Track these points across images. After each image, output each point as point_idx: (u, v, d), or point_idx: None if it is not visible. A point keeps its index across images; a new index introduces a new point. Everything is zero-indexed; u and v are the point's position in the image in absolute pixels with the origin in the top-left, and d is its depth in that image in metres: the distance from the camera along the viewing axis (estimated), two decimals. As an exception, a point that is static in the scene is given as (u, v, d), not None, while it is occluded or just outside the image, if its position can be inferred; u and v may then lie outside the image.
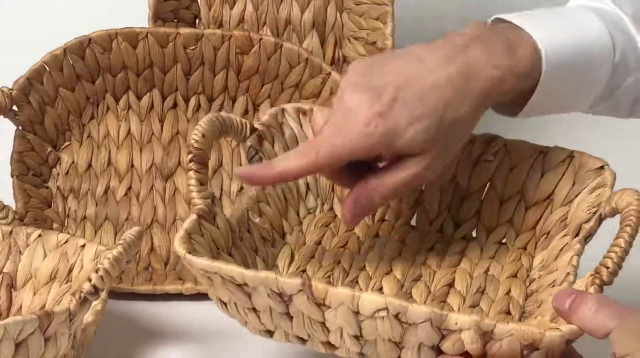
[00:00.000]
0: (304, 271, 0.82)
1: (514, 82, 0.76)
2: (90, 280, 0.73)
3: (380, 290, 0.81)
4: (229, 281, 0.70)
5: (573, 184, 0.83)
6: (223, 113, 0.83)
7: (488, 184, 0.87)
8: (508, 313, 0.78)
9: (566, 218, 0.81)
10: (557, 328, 0.67)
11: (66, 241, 0.85)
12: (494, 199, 0.86)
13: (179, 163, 1.01)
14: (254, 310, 0.72)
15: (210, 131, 0.79)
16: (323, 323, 0.70)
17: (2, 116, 0.93)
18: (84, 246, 0.84)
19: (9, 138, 0.96)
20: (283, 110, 0.87)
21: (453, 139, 0.77)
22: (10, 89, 0.93)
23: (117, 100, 1.00)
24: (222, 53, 0.98)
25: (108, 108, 1.00)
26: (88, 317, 0.75)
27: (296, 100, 1.00)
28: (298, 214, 0.88)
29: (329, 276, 0.81)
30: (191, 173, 0.78)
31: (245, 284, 0.69)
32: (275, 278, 0.68)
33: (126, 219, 1.00)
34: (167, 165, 1.01)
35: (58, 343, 0.71)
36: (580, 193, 0.82)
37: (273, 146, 0.86)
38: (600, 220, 0.78)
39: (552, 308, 0.69)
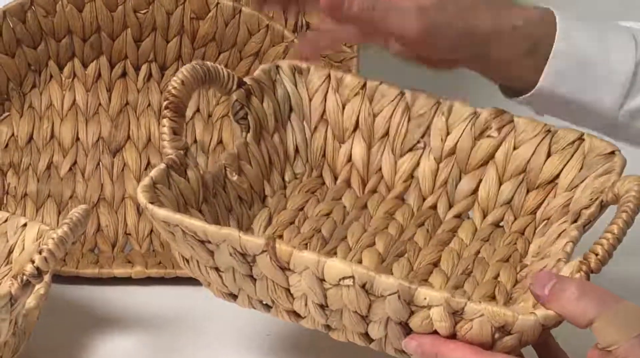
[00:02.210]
0: (280, 236, 0.82)
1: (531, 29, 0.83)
2: (32, 262, 0.72)
3: (360, 262, 0.80)
4: (190, 236, 0.70)
5: (580, 169, 0.82)
6: (208, 62, 0.82)
7: (490, 161, 0.85)
8: (493, 298, 0.77)
9: (569, 203, 0.80)
10: (532, 313, 0.66)
11: (5, 220, 0.85)
12: (493, 178, 0.85)
13: (129, 137, 1.01)
14: (217, 269, 0.72)
15: (192, 78, 0.79)
16: (287, 290, 0.70)
17: None
18: (25, 225, 0.83)
19: None
20: (278, 67, 0.87)
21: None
22: None
23: (61, 68, 1.00)
24: (175, 18, 0.98)
25: (51, 76, 1.00)
26: (30, 301, 0.75)
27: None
28: (283, 178, 0.87)
29: (306, 245, 0.81)
30: (165, 121, 0.78)
31: (208, 241, 0.69)
32: (238, 236, 0.68)
33: (70, 197, 0.99)
34: (115, 139, 1.01)
35: None
36: (586, 178, 0.81)
37: (262, 102, 0.85)
38: (602, 207, 0.77)
39: (530, 292, 0.69)
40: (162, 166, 0.76)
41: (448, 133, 0.85)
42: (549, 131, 0.84)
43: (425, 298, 0.65)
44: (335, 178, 0.89)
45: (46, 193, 0.99)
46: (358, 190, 0.87)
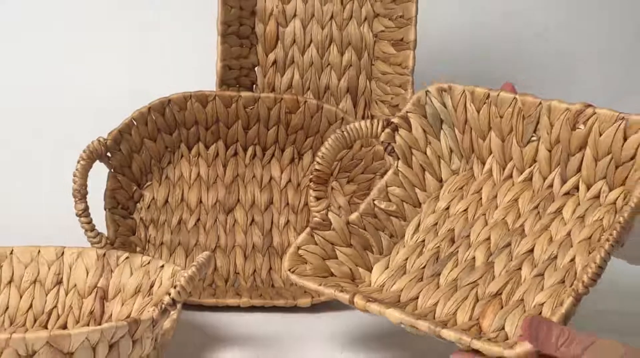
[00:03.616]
0: (423, 241, 0.82)
1: None
2: (169, 294, 0.72)
3: (473, 259, 0.79)
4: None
5: None
6: (350, 126, 0.84)
7: (585, 146, 0.81)
8: (562, 282, 0.74)
9: None
10: (512, 348, 0.65)
11: (148, 263, 0.85)
12: (590, 159, 0.80)
13: (238, 201, 1.01)
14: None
15: (333, 149, 0.82)
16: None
17: (98, 161, 0.93)
18: (162, 266, 0.84)
19: (103, 178, 0.96)
20: (427, 92, 0.87)
21: None
22: (105, 139, 0.93)
23: (189, 149, 1.00)
24: (274, 112, 0.98)
25: (182, 155, 1.00)
26: (166, 324, 0.75)
27: None
28: (440, 180, 0.87)
29: (438, 247, 0.81)
30: (310, 191, 0.81)
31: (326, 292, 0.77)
32: (334, 295, 0.75)
33: (195, 245, 0.99)
34: (228, 202, 1.00)
35: (143, 345, 0.71)
36: None
37: (410, 130, 0.85)
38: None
39: (522, 335, 0.66)
40: (308, 230, 0.80)
41: (552, 127, 0.81)
42: (622, 118, 0.78)
43: (447, 337, 0.68)
44: (482, 169, 0.86)
45: (177, 242, 0.99)
46: (496, 177, 0.85)
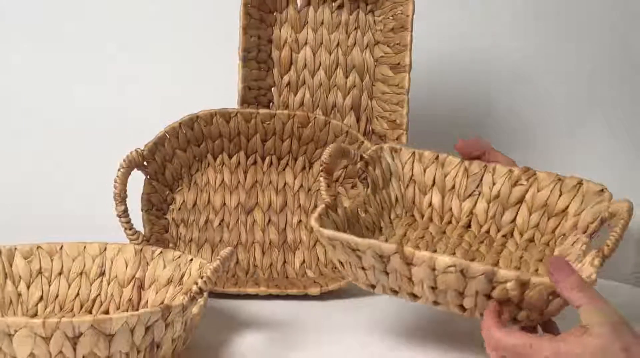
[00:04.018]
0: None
1: None
2: (197, 284, 0.73)
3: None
4: (346, 247, 0.71)
5: (582, 202, 0.81)
6: (345, 145, 0.84)
7: (522, 200, 0.84)
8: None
9: (577, 223, 0.80)
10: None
11: (179, 257, 0.85)
12: (525, 211, 0.84)
13: (257, 203, 1.01)
14: (363, 268, 0.73)
15: (335, 153, 0.81)
16: (410, 278, 0.70)
17: (136, 169, 0.94)
18: (191, 260, 0.84)
19: (140, 184, 0.96)
20: (382, 148, 0.88)
21: None
22: (142, 150, 0.94)
23: (214, 158, 1.00)
24: (288, 127, 0.98)
25: (208, 164, 1.00)
26: (195, 309, 0.75)
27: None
28: (390, 217, 0.87)
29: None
30: (321, 179, 0.80)
31: (358, 249, 0.70)
32: (378, 244, 0.69)
33: (219, 241, 1.00)
34: (248, 204, 1.01)
35: (174, 328, 0.71)
36: (587, 207, 0.80)
37: (374, 169, 0.86)
38: (602, 222, 0.76)
39: (547, 270, 0.67)
40: (322, 205, 0.78)
41: (494, 184, 0.86)
42: (560, 179, 0.83)
43: (503, 277, 0.66)
44: (422, 217, 0.88)
45: (204, 239, 0.99)
46: (438, 223, 0.87)
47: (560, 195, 0.83)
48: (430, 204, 0.88)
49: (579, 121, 1.30)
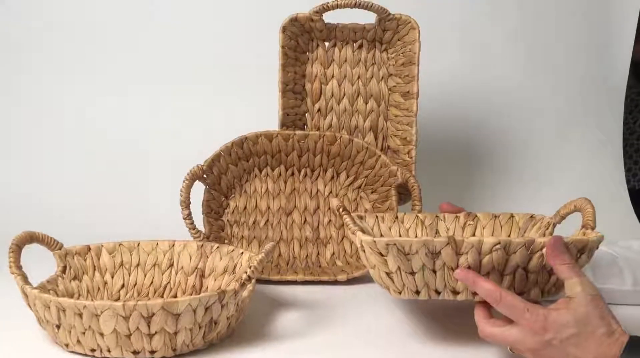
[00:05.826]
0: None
1: None
2: (246, 273, 0.74)
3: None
4: (400, 252, 0.66)
5: (519, 229, 0.83)
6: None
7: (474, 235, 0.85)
8: None
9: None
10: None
11: (232, 251, 0.85)
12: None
13: (295, 207, 1.00)
14: (412, 272, 0.67)
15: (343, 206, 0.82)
16: (454, 269, 0.65)
17: (197, 181, 0.94)
18: (242, 253, 0.84)
19: (201, 193, 0.96)
20: (361, 217, 0.86)
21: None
22: (202, 165, 0.94)
23: (260, 171, 1.00)
24: (319, 144, 0.99)
25: (255, 176, 1.00)
26: (245, 293, 0.75)
27: (361, 171, 0.99)
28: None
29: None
30: (345, 216, 0.79)
31: (410, 252, 0.65)
32: (431, 240, 0.65)
33: (265, 238, 1.00)
34: (288, 207, 1.01)
35: (228, 308, 0.72)
36: (527, 228, 0.82)
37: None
38: (554, 226, 0.77)
39: (546, 246, 0.65)
40: (359, 231, 0.73)
41: (447, 229, 0.86)
42: (495, 216, 0.84)
43: (540, 243, 0.64)
44: None
45: (253, 236, 0.99)
46: None
47: (501, 228, 0.84)
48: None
49: (563, 138, 1.28)
